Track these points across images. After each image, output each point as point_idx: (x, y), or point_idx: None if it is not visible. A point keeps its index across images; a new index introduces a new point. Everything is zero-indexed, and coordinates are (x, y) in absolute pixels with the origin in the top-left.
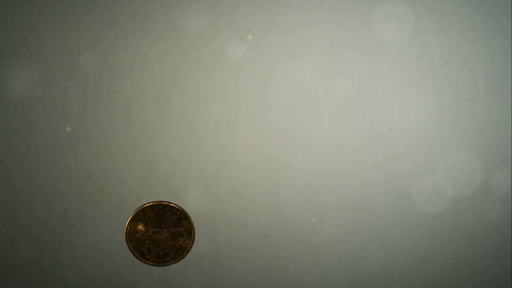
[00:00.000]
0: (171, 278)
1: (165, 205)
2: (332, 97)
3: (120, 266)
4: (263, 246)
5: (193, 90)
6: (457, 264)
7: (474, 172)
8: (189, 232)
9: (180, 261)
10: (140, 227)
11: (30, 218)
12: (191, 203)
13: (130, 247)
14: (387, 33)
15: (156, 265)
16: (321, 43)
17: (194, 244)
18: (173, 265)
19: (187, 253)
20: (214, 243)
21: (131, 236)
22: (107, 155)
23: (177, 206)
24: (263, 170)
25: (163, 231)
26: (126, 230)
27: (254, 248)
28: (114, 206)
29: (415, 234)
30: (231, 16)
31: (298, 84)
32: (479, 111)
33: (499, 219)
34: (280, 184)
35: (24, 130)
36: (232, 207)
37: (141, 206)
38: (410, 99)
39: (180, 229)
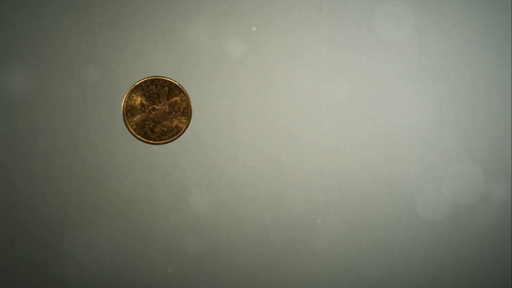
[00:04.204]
0: (171, 278)
1: (152, 79)
2: (332, 97)
3: (120, 266)
4: (263, 246)
5: (193, 90)
6: (457, 265)
7: (474, 172)
8: (186, 104)
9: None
10: (137, 101)
11: (30, 218)
12: (191, 203)
13: (133, 132)
14: (387, 33)
15: (163, 143)
16: (321, 43)
17: (191, 119)
18: (173, 265)
19: (188, 124)
20: (214, 243)
21: (130, 121)
22: (107, 155)
23: (165, 77)
24: (263, 170)
25: (159, 106)
26: (125, 120)
27: (254, 248)
28: (114, 206)
29: (415, 234)
30: (230, 17)
31: (298, 84)
32: (479, 111)
33: (499, 220)
34: (280, 184)
35: (24, 130)
36: (232, 207)
37: (129, 89)
38: (410, 99)
39: (175, 98)
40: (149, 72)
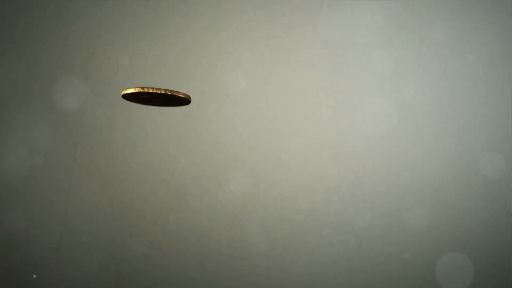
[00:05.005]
0: (171, 278)
1: (150, 93)
2: (332, 96)
3: (120, 266)
4: (263, 246)
5: (193, 90)
6: (457, 264)
7: (474, 171)
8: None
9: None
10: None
11: (30, 218)
12: (191, 203)
13: (132, 102)
14: (387, 32)
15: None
16: (321, 43)
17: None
18: (173, 265)
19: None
20: (214, 243)
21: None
22: (107, 155)
23: (161, 91)
24: (263, 170)
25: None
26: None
27: (254, 248)
28: (114, 206)
29: (415, 234)
30: (231, 17)
31: (298, 84)
32: (479, 111)
33: (499, 219)
34: (280, 184)
35: (24, 130)
36: (232, 207)
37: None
38: (410, 99)
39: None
40: (149, 72)
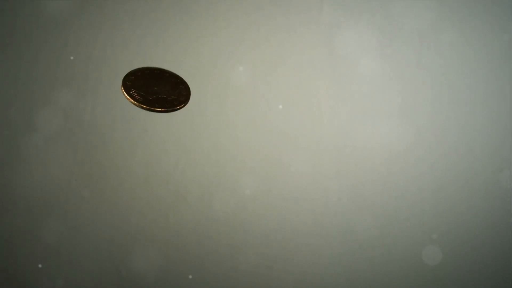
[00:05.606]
0: (171, 278)
1: (151, 69)
2: (333, 96)
3: (120, 266)
4: (263, 246)
5: (193, 89)
6: (457, 264)
7: (474, 172)
8: (186, 87)
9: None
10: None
11: (29, 218)
12: (191, 203)
13: (137, 103)
14: (387, 33)
15: (167, 111)
16: (321, 43)
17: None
18: (173, 265)
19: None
20: (215, 243)
21: (129, 91)
22: (107, 155)
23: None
24: (263, 170)
25: (160, 87)
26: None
27: (254, 248)
28: (114, 206)
29: (415, 234)
30: (231, 16)
31: (298, 83)
32: (479, 111)
33: (499, 219)
34: (280, 184)
35: (24, 130)
36: (232, 207)
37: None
38: (410, 99)
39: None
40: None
